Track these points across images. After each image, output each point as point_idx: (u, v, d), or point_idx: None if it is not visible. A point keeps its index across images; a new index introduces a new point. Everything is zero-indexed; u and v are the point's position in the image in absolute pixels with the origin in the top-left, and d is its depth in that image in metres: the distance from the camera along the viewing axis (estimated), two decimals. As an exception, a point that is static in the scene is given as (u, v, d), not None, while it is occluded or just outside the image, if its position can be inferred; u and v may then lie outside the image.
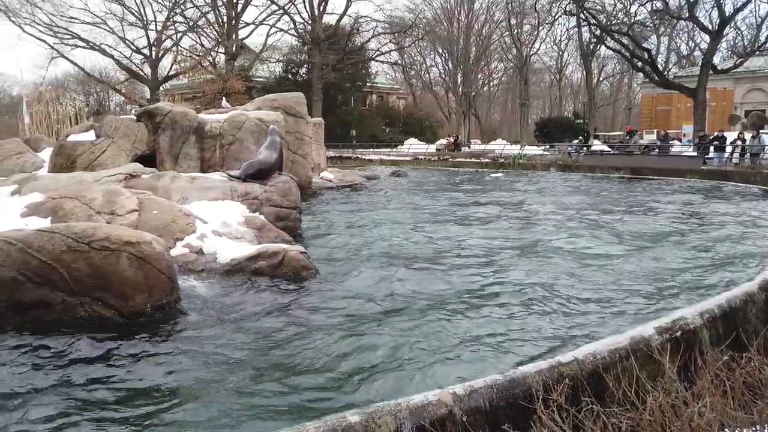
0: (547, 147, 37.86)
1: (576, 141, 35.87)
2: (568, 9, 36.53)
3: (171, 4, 39.23)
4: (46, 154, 14.43)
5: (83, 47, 38.41)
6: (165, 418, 3.08)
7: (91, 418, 3.07)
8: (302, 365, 3.74)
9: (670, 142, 28.57)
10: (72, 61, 39.77)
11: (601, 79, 56.90)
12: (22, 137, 18.44)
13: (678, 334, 3.59)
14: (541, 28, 47.43)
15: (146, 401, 3.26)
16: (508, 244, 7.92)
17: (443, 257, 7.04)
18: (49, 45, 37.22)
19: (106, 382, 3.49)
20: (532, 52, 49.66)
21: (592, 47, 43.75)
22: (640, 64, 32.47)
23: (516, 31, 47.37)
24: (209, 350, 3.98)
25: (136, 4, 38.86)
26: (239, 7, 40.70)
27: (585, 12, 33.28)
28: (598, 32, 35.28)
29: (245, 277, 5.62)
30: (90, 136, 13.03)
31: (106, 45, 38.77)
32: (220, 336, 4.25)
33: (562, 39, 55.08)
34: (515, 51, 48.61)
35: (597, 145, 33.77)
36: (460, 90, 50.70)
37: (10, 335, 4.11)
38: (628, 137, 30.03)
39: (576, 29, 42.62)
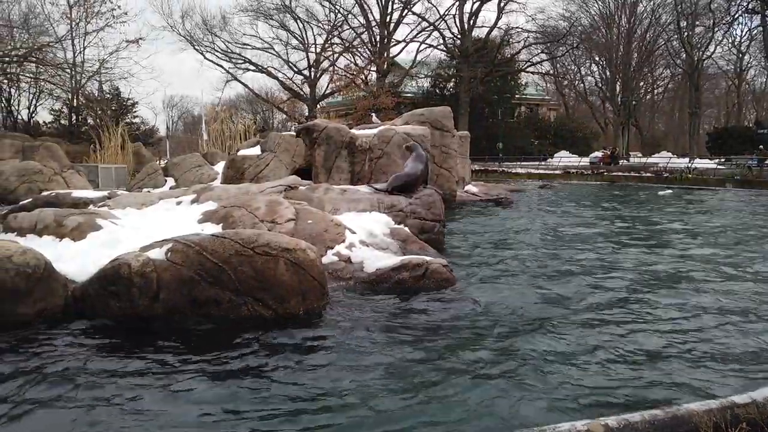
0: (722, 160, 33.89)
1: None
2: (750, 6, 32.54)
3: (330, 27, 42.17)
4: (219, 166, 16.29)
5: (253, 70, 42.85)
6: (323, 418, 3.25)
7: (253, 412, 3.34)
8: (446, 375, 3.74)
9: None
10: (243, 83, 44.74)
11: (791, 82, 49.71)
12: (201, 152, 21.04)
13: None
14: (716, 29, 42.73)
15: (302, 397, 3.48)
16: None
17: (593, 276, 6.61)
18: (225, 69, 42.11)
19: (264, 377, 3.78)
20: (704, 56, 44.88)
21: (780, 47, 38.42)
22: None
23: (686, 34, 43.15)
24: (358, 355, 4.13)
25: (299, 28, 42.40)
26: (391, 26, 42.50)
27: (772, 7, 29.39)
28: (788, 30, 30.90)
29: (389, 286, 5.76)
30: (256, 150, 14.42)
31: (272, 67, 42.73)
32: (368, 342, 4.40)
33: (742, 40, 49.28)
34: (685, 56, 44.33)
35: (786, 158, 29.45)
36: (619, 99, 47.41)
37: (187, 326, 4.66)
38: None
39: (760, 28, 37.77)
